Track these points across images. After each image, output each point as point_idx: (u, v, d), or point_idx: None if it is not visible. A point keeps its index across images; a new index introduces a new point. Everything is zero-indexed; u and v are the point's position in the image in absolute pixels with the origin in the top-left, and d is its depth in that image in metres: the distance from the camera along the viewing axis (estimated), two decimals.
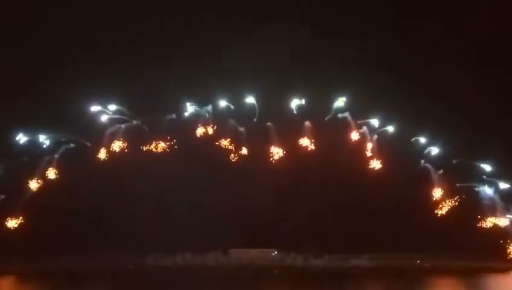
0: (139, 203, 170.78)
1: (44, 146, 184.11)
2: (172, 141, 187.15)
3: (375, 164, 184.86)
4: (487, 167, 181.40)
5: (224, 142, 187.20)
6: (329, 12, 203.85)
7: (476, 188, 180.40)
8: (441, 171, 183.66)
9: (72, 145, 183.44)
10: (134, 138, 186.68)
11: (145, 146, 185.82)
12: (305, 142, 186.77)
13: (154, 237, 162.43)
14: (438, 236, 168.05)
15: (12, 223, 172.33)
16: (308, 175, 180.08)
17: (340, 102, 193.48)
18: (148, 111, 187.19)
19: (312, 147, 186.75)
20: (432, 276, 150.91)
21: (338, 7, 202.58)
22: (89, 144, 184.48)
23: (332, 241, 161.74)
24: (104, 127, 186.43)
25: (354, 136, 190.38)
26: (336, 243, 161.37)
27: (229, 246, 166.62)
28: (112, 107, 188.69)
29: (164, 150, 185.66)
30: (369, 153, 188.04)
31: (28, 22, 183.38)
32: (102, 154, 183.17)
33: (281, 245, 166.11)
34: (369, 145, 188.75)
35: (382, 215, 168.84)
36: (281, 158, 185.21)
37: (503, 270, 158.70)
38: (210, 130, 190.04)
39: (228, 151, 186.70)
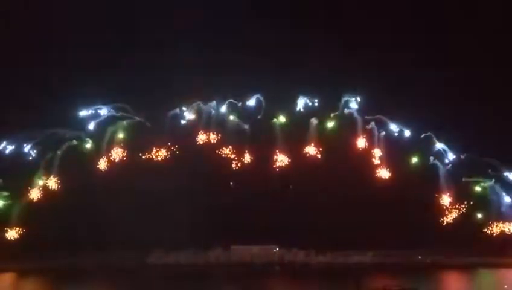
0: (140, 201, 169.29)
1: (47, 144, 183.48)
2: (174, 147, 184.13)
3: (383, 173, 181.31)
4: (495, 162, 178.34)
5: (226, 151, 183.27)
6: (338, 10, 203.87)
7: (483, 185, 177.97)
8: (449, 166, 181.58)
9: (74, 142, 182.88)
10: (136, 135, 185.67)
11: (146, 153, 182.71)
12: (311, 150, 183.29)
13: (155, 235, 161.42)
14: (440, 233, 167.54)
15: (12, 233, 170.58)
16: (313, 172, 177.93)
17: (349, 98, 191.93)
18: (151, 107, 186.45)
19: (318, 152, 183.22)
20: (434, 272, 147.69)
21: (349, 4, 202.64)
22: (90, 141, 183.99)
23: (334, 238, 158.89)
24: (106, 123, 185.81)
25: (361, 138, 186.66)
26: (338, 239, 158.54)
27: (231, 243, 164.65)
28: (115, 104, 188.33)
29: (165, 157, 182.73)
30: (376, 152, 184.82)
31: (28, 21, 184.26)
32: (102, 162, 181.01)
33: (283, 242, 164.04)
34: (376, 141, 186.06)
35: (385, 212, 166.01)
36: (285, 157, 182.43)
37: (506, 266, 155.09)
38: (212, 136, 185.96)
39: (230, 160, 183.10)
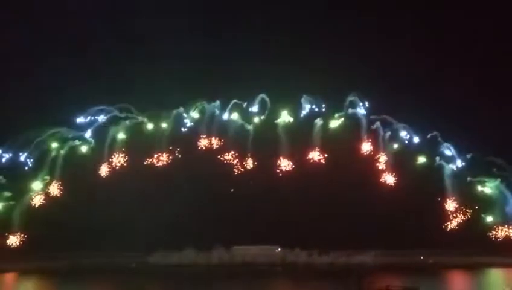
0: (142, 201, 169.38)
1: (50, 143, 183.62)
2: (175, 151, 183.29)
3: (388, 173, 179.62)
4: (500, 161, 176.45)
5: (230, 152, 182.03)
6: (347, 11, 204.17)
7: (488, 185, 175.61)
8: (455, 166, 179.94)
9: (77, 142, 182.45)
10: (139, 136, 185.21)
11: (148, 155, 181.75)
12: (315, 150, 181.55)
13: (157, 235, 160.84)
14: (444, 234, 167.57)
15: (13, 240, 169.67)
16: (316, 172, 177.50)
17: (354, 98, 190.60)
18: (155, 107, 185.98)
19: (322, 153, 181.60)
20: (436, 271, 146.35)
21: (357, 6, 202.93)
22: (92, 142, 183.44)
23: (337, 238, 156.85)
24: (109, 124, 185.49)
25: (366, 139, 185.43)
26: (340, 239, 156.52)
27: (233, 243, 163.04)
28: (119, 104, 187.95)
29: (166, 162, 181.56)
30: (381, 152, 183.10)
31: (29, 21, 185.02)
32: (104, 167, 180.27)
33: (285, 242, 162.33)
34: (381, 141, 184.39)
35: (388, 212, 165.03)
36: (289, 159, 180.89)
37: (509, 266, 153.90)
38: (215, 139, 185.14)
39: (233, 161, 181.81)
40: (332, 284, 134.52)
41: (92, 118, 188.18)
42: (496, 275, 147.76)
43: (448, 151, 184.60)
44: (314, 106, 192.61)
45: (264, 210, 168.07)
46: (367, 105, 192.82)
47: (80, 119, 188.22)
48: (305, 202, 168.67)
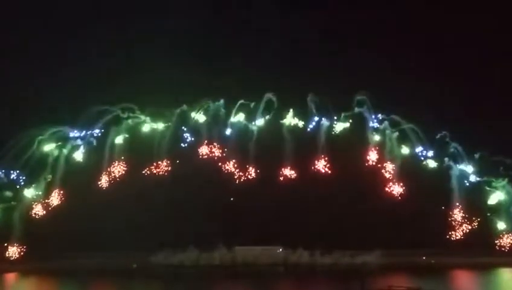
0: (143, 200, 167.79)
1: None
2: (177, 154, 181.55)
3: (396, 182, 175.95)
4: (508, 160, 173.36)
5: (229, 166, 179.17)
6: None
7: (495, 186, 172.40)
8: (463, 166, 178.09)
9: (79, 141, 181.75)
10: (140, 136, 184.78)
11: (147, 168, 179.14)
12: (320, 159, 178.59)
13: (159, 235, 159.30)
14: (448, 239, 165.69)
15: (13, 250, 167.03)
16: (320, 173, 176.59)
17: (361, 98, 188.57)
18: (158, 106, 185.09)
19: (327, 160, 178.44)
20: (439, 272, 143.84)
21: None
22: (93, 141, 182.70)
23: (339, 238, 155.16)
24: (110, 123, 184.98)
25: (372, 148, 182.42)
26: (342, 240, 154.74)
27: (234, 243, 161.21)
28: (122, 104, 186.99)
29: (166, 171, 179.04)
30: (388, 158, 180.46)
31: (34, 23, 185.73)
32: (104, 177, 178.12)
33: (288, 242, 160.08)
34: (388, 142, 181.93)
35: (391, 212, 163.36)
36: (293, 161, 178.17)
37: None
38: (215, 150, 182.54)
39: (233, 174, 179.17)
40: (335, 284, 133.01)
41: (88, 132, 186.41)
42: (500, 275, 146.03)
43: (457, 151, 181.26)
44: (323, 118, 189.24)
45: (266, 210, 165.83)
46: (375, 104, 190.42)
47: (74, 134, 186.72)
48: (307, 202, 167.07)
